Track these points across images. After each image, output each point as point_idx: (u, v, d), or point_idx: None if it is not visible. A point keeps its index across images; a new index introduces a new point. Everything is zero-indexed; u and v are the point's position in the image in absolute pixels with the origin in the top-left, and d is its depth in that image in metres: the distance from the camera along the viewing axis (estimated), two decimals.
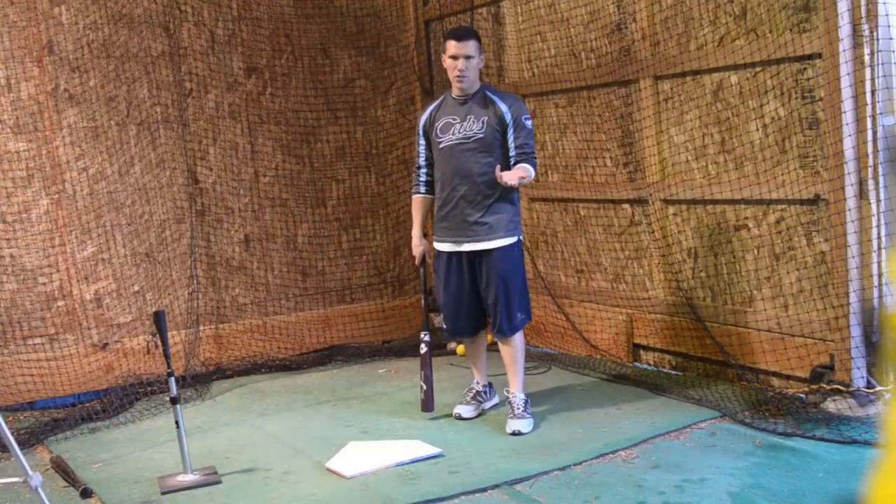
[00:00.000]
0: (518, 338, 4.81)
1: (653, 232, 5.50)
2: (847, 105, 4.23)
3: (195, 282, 6.24)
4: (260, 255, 6.55)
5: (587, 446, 4.35)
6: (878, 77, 4.22)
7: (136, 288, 6.10)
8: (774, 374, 4.84)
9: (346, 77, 6.82)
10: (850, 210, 4.30)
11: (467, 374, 5.51)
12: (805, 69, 4.53)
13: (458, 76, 4.68)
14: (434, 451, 4.41)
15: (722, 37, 4.92)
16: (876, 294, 4.34)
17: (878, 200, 4.29)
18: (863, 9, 4.18)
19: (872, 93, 4.24)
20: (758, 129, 4.81)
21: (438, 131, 4.79)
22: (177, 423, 4.20)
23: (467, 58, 4.66)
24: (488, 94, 4.74)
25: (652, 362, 5.64)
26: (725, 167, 5.01)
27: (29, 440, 5.01)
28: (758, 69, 4.75)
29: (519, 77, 6.31)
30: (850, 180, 4.30)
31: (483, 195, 4.67)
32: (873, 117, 4.25)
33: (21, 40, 5.69)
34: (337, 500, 3.95)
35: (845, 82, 4.22)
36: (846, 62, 4.20)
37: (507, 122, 4.66)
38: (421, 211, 4.98)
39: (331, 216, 6.82)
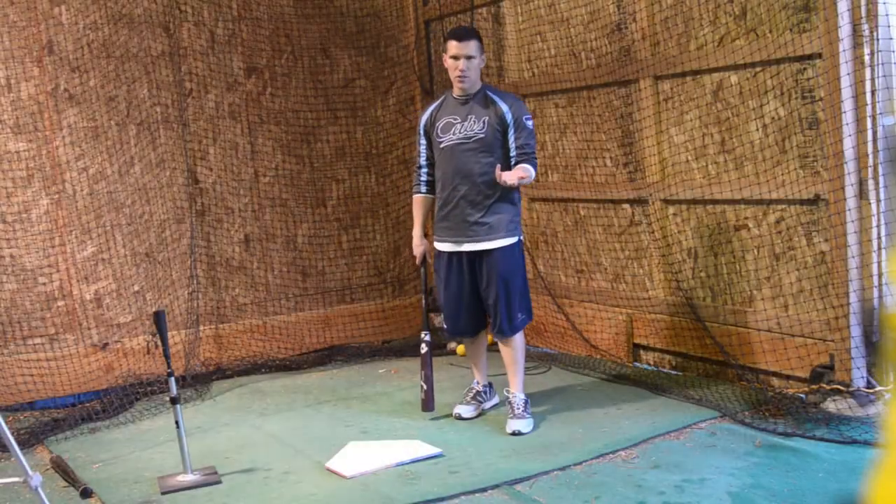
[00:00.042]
0: (518, 338, 4.81)
1: (653, 232, 5.50)
2: (847, 105, 4.23)
3: (195, 282, 6.24)
4: (260, 255, 6.55)
5: (587, 446, 4.35)
6: (878, 77, 4.22)
7: (136, 288, 6.10)
8: (774, 374, 4.84)
9: (346, 77, 6.82)
10: (850, 210, 4.30)
11: (467, 374, 5.51)
12: (805, 69, 4.53)
13: (459, 76, 4.68)
14: (434, 451, 4.41)
15: (722, 37, 4.92)
16: (876, 294, 4.34)
17: (878, 200, 4.29)
18: (863, 9, 4.18)
19: (872, 93, 4.24)
20: (758, 129, 4.81)
21: (439, 131, 4.79)
22: (177, 423, 4.20)
23: (468, 58, 4.66)
24: (489, 94, 4.74)
25: (652, 362, 5.64)
26: (725, 167, 5.01)
27: (29, 440, 5.01)
28: (758, 69, 4.75)
29: (519, 77, 6.31)
30: (850, 180, 4.30)
31: (484, 195, 4.67)
32: (873, 117, 4.25)
33: (21, 40, 5.69)
34: (337, 500, 3.95)
35: (845, 82, 4.22)
36: (846, 62, 4.20)
37: (508, 122, 4.66)
38: (422, 211, 4.98)
39: (331, 216, 6.82)
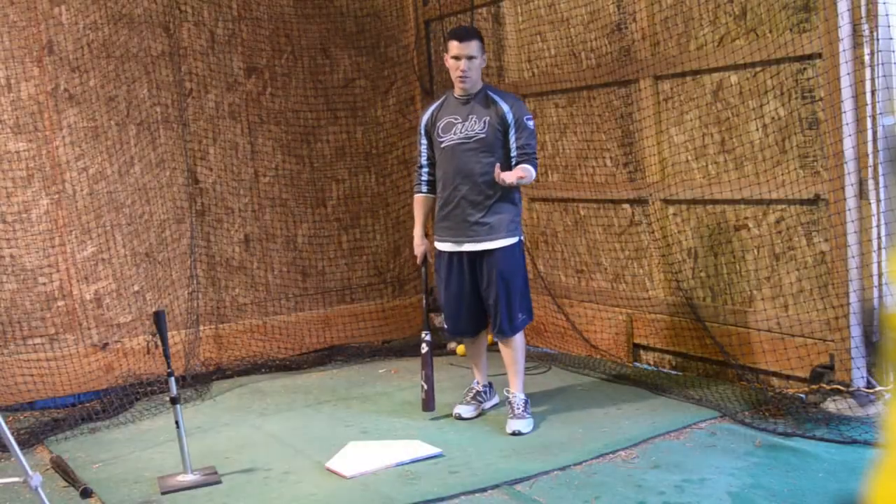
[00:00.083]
0: (519, 338, 4.81)
1: (653, 232, 5.50)
2: (847, 105, 4.23)
3: (195, 282, 6.24)
4: (260, 255, 6.55)
5: (587, 446, 4.35)
6: (878, 77, 4.22)
7: (136, 288, 6.10)
8: (774, 374, 4.84)
9: (346, 77, 6.82)
10: (850, 210, 4.30)
11: (467, 374, 5.51)
12: (805, 69, 4.53)
13: (460, 76, 4.68)
14: (434, 451, 4.41)
15: (722, 37, 4.92)
16: (876, 294, 4.34)
17: (878, 200, 4.29)
18: (863, 9, 4.18)
19: (872, 93, 4.24)
20: (758, 129, 4.81)
21: (440, 131, 4.78)
22: (177, 423, 4.20)
23: (469, 58, 4.66)
24: (490, 94, 4.74)
25: (652, 362, 5.64)
26: (725, 167, 5.01)
27: (29, 440, 5.01)
28: (758, 69, 4.75)
29: (519, 77, 6.31)
30: (850, 180, 4.30)
31: (484, 195, 4.67)
32: (873, 117, 4.25)
33: (21, 40, 5.69)
34: (337, 500, 3.95)
35: (845, 82, 4.22)
36: (846, 62, 4.20)
37: (509, 122, 4.66)
38: (422, 210, 4.97)
39: (331, 216, 6.82)
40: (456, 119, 4.74)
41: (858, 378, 4.36)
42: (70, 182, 5.87)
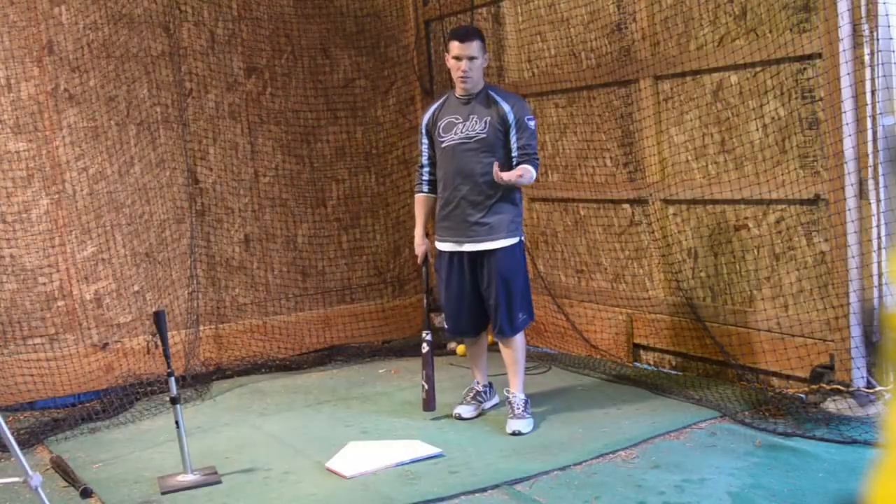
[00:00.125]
0: (519, 338, 4.81)
1: (653, 232, 5.50)
2: (847, 105, 4.23)
3: (195, 282, 6.24)
4: (260, 255, 6.55)
5: (587, 446, 4.35)
6: (878, 77, 4.22)
7: (136, 288, 6.10)
8: (774, 374, 4.84)
9: (346, 77, 6.82)
10: (850, 210, 4.30)
11: (467, 374, 5.51)
12: (805, 69, 4.53)
13: (461, 77, 4.67)
14: (434, 451, 4.41)
15: (722, 37, 4.92)
16: (876, 294, 4.34)
17: (878, 200, 4.29)
18: (863, 9, 4.18)
19: (872, 93, 4.24)
20: (758, 129, 4.81)
21: (441, 130, 4.78)
22: (177, 423, 4.20)
23: (471, 58, 4.65)
24: (491, 93, 4.74)
25: (652, 362, 5.64)
26: (725, 167, 5.01)
27: (29, 440, 5.01)
28: (758, 69, 4.75)
29: (519, 77, 6.31)
30: (850, 180, 4.30)
31: (485, 195, 4.66)
32: (873, 117, 4.25)
33: (21, 40, 5.69)
34: (337, 500, 3.95)
35: (845, 82, 4.22)
36: (846, 62, 4.20)
37: (510, 122, 4.66)
38: (423, 210, 4.97)
39: (331, 216, 6.82)
40: (457, 119, 4.73)
41: (858, 378, 4.36)
42: (70, 182, 5.87)
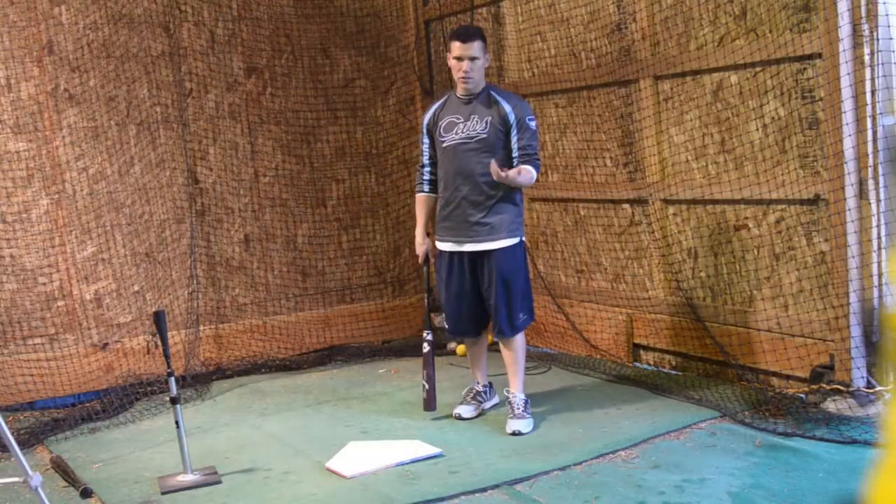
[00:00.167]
0: (519, 338, 4.81)
1: (653, 232, 5.50)
2: (847, 105, 4.23)
3: (195, 282, 6.24)
4: (260, 255, 6.55)
5: (587, 446, 4.35)
6: (878, 77, 4.22)
7: (136, 288, 6.10)
8: (774, 374, 4.84)
9: (346, 77, 6.82)
10: (850, 210, 4.30)
11: (467, 374, 5.51)
12: (805, 69, 4.53)
13: (462, 77, 4.67)
14: (434, 451, 4.41)
15: (722, 37, 4.92)
16: (876, 294, 4.34)
17: (878, 200, 4.29)
18: (863, 9, 4.18)
19: (872, 93, 4.24)
20: (758, 129, 4.81)
21: (442, 130, 4.78)
22: (177, 423, 4.20)
23: (472, 59, 4.64)
24: (493, 93, 4.73)
25: (652, 362, 5.64)
26: (725, 167, 5.01)
27: (29, 440, 5.01)
28: (758, 69, 4.75)
29: (519, 77, 6.31)
30: (850, 180, 4.30)
31: (485, 195, 4.66)
32: (873, 117, 4.25)
33: (21, 40, 5.69)
34: (337, 500, 3.95)
35: (845, 82, 4.22)
36: (846, 62, 4.20)
37: (511, 122, 4.65)
38: (424, 209, 4.97)
39: (331, 216, 6.82)
40: (458, 119, 4.73)
41: (858, 378, 4.36)
42: (70, 182, 5.87)
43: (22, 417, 5.49)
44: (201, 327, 6.23)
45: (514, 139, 4.66)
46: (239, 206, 6.47)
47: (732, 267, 5.06)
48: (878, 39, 4.17)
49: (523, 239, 4.80)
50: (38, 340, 5.77)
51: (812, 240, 4.62)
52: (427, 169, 4.92)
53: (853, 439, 4.09)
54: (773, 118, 4.72)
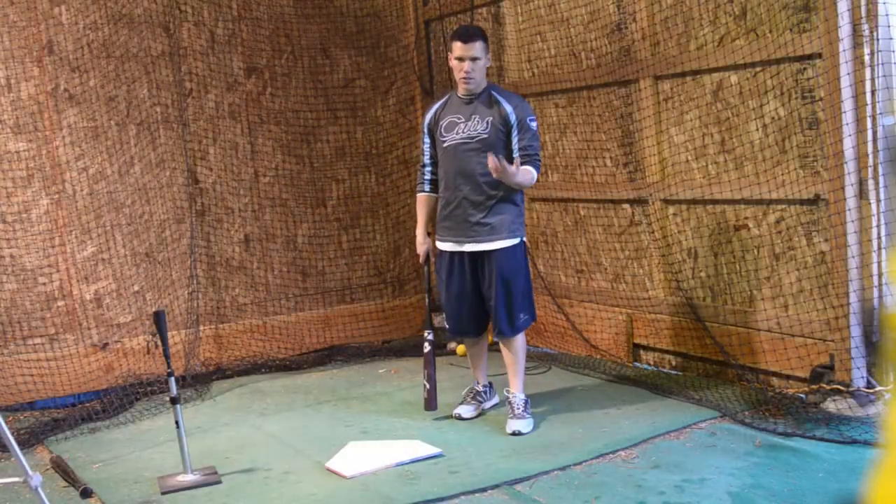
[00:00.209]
0: (520, 339, 4.81)
1: (653, 232, 5.50)
2: (847, 105, 4.23)
3: (195, 282, 6.24)
4: (260, 255, 6.55)
5: (587, 446, 4.35)
6: (878, 77, 4.22)
7: (136, 288, 6.10)
8: (774, 374, 4.84)
9: (346, 77, 6.82)
10: (850, 210, 4.30)
11: (467, 374, 5.51)
12: (805, 69, 4.53)
13: (464, 78, 4.66)
14: (434, 451, 4.41)
15: (722, 37, 4.92)
16: (876, 294, 4.34)
17: (878, 200, 4.29)
18: (863, 9, 4.18)
19: (872, 93, 4.24)
20: (758, 129, 4.81)
21: (443, 130, 4.77)
22: (177, 423, 4.20)
23: (473, 59, 4.64)
24: (494, 94, 4.73)
25: (652, 362, 5.64)
26: (725, 167, 5.01)
27: (29, 440, 5.01)
28: (758, 69, 4.75)
29: (519, 77, 6.31)
30: (850, 180, 4.30)
31: (486, 196, 4.66)
32: (873, 117, 4.25)
33: (21, 40, 5.69)
34: (337, 500, 3.95)
35: (845, 82, 4.22)
36: (846, 62, 4.20)
37: (512, 122, 4.65)
38: (425, 209, 4.96)
39: (331, 216, 6.82)
40: (459, 119, 4.73)
41: (858, 378, 4.36)
42: (70, 182, 5.87)
43: (22, 417, 5.49)
44: (201, 327, 6.23)
45: (514, 139, 4.65)
46: (239, 206, 6.47)
47: (732, 267, 5.06)
48: (878, 39, 4.18)
49: (524, 239, 4.80)
50: (38, 340, 5.77)
51: (812, 240, 4.62)
52: (428, 169, 4.92)
53: (853, 439, 4.09)
54: (773, 118, 4.72)
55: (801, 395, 4.62)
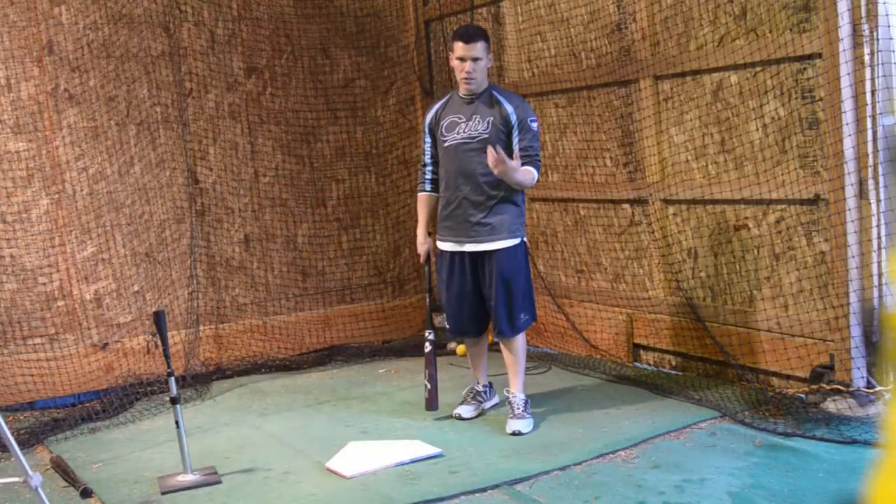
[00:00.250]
0: (520, 339, 4.81)
1: (653, 232, 5.50)
2: (847, 105, 4.23)
3: (195, 282, 6.24)
4: (260, 255, 6.55)
5: (587, 446, 4.35)
6: (878, 77, 4.22)
7: (136, 288, 6.10)
8: (774, 374, 4.84)
9: (346, 77, 6.82)
10: (850, 210, 4.30)
11: (467, 374, 5.51)
12: (805, 69, 4.53)
13: (465, 78, 4.66)
14: (434, 451, 4.41)
15: (722, 37, 4.92)
16: (876, 294, 4.34)
17: (878, 200, 4.29)
18: (863, 9, 4.18)
19: (872, 93, 4.24)
20: (758, 129, 4.81)
21: (444, 130, 4.77)
22: (177, 423, 4.20)
23: (475, 59, 4.64)
24: (495, 94, 4.72)
25: (652, 362, 5.64)
26: (725, 167, 5.01)
27: (29, 440, 5.01)
28: (758, 69, 4.75)
29: (519, 77, 6.31)
30: (850, 180, 4.30)
31: (486, 196, 4.66)
32: (873, 117, 4.25)
33: (21, 40, 5.69)
34: (337, 500, 3.95)
35: (845, 82, 4.22)
36: (846, 62, 4.20)
37: (513, 123, 4.65)
38: (426, 209, 4.96)
39: (331, 216, 6.82)
40: (460, 118, 4.73)
41: (858, 378, 4.36)
42: (70, 182, 5.87)
43: (22, 417, 5.49)
44: (201, 327, 6.23)
45: (515, 140, 4.65)
46: (239, 206, 6.47)
47: (732, 267, 5.06)
48: (878, 39, 4.18)
49: (524, 239, 4.80)
50: (38, 340, 5.77)
51: (812, 240, 4.62)
52: (429, 168, 4.92)
53: (853, 439, 4.09)
54: (773, 118, 4.72)
55: (801, 395, 4.62)
